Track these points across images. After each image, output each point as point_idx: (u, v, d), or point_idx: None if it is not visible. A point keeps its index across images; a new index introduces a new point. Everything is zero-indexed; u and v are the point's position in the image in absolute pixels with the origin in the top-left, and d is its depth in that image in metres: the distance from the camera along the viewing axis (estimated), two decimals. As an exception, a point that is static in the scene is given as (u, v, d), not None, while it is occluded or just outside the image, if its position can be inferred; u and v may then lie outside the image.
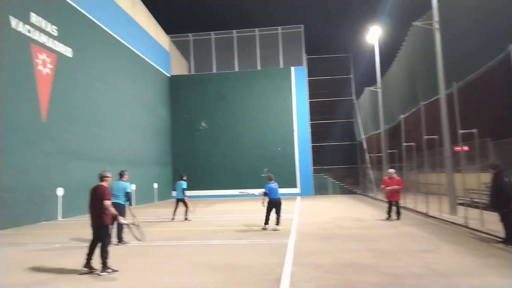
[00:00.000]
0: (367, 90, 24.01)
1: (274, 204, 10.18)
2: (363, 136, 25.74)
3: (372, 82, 22.44)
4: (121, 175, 9.05)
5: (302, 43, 28.12)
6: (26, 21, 13.19)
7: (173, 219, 13.01)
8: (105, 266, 5.73)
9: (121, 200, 8.58)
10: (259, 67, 28.49)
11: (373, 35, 21.30)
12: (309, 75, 28.42)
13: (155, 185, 24.40)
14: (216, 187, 27.33)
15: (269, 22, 30.21)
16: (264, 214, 10.32)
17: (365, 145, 24.64)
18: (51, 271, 6.01)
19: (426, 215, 12.20)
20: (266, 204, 10.22)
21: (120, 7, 20.76)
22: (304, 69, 27.71)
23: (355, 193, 26.71)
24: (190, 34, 29.26)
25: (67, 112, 15.29)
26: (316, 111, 28.44)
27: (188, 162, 27.65)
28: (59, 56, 14.95)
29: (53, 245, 8.55)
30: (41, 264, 6.53)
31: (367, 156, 24.13)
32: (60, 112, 14.79)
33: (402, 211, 12.49)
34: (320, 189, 27.07)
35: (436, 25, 12.47)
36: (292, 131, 27.03)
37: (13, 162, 12.22)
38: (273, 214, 10.25)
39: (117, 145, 19.48)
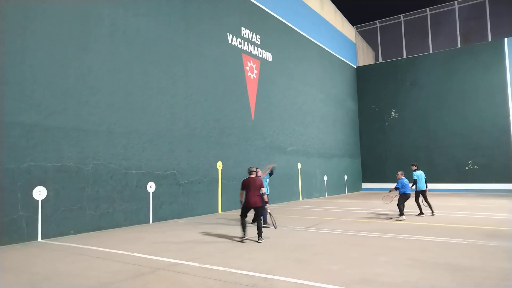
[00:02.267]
0: None
1: (406, 198, 11.23)
2: None
3: None
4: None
5: (518, 8, 23.11)
6: (238, 35, 15.52)
7: (421, 213, 11.85)
8: (261, 235, 7.77)
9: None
10: (459, 45, 24.99)
11: None
12: (530, 45, 23.09)
13: (345, 177, 24.79)
14: (409, 180, 25.53)
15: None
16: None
17: None
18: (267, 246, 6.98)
19: None
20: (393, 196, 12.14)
21: (310, 7, 21.92)
22: (522, 39, 22.70)
23: None
24: (377, 22, 28.23)
25: (269, 111, 17.24)
26: (541, 89, 22.86)
27: (377, 153, 26.90)
28: (262, 61, 16.98)
29: (278, 227, 9.85)
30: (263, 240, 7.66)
31: None
32: (264, 111, 16.82)
33: None
34: (551, 186, 21.73)
35: None
36: (508, 115, 22.60)
37: (233, 155, 14.66)
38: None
39: (310, 138, 20.72)
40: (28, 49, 8.50)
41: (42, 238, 8.40)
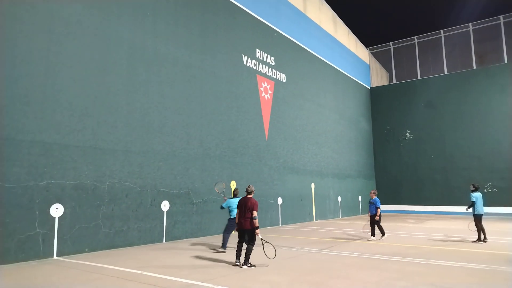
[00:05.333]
0: None
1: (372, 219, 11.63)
2: None
3: None
4: (235, 194, 9.67)
5: (534, 30, 22.96)
6: (253, 56, 15.79)
7: (485, 239, 10.60)
8: (247, 261, 7.20)
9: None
10: (474, 67, 24.84)
11: None
12: (547, 67, 22.78)
13: (360, 198, 24.43)
14: (424, 202, 25.09)
15: (484, 14, 26.02)
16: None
17: None
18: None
19: None
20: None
21: (324, 30, 22.22)
22: (539, 60, 22.44)
23: None
24: (390, 43, 28.38)
25: (283, 131, 17.29)
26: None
27: (392, 175, 26.53)
28: (276, 82, 17.16)
29: (292, 249, 9.71)
30: (289, 263, 7.54)
31: None
32: (277, 131, 16.87)
33: None
34: None
35: None
36: (525, 137, 22.13)
37: (247, 175, 14.65)
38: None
39: (324, 158, 20.61)
40: (51, 70, 8.80)
41: (57, 256, 8.45)
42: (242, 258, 7.39)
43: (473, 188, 10.93)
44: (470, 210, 10.92)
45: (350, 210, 22.95)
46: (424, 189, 25.20)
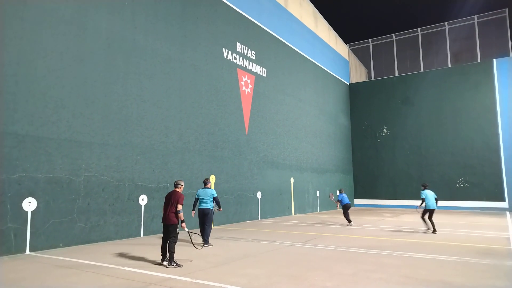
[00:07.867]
0: None
1: (346, 208, 14.22)
2: None
3: None
4: (205, 183, 9.82)
5: (507, 30, 23.75)
6: (234, 50, 15.69)
7: (432, 230, 11.76)
8: (172, 260, 6.76)
9: (210, 205, 9.40)
10: (449, 65, 25.53)
11: None
12: (518, 66, 23.66)
13: (337, 192, 24.82)
14: (400, 197, 25.75)
15: (459, 13, 26.75)
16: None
17: None
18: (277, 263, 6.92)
19: None
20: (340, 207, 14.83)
21: (304, 25, 22.30)
22: (511, 60, 23.28)
23: None
24: (369, 40, 28.79)
25: (263, 126, 17.32)
26: (529, 109, 23.35)
27: (369, 170, 27.05)
28: (257, 76, 17.14)
29: (271, 242, 9.77)
30: (267, 256, 7.58)
31: None
32: (258, 126, 16.89)
33: None
34: (540, 205, 21.96)
35: None
36: (496, 134, 22.98)
37: (226, 169, 14.63)
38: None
39: (303, 153, 20.80)
40: (24, 60, 8.48)
41: (30, 251, 8.22)
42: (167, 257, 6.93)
43: (423, 188, 12.47)
44: (423, 205, 12.25)
45: (328, 205, 23.29)
46: (400, 184, 25.85)
